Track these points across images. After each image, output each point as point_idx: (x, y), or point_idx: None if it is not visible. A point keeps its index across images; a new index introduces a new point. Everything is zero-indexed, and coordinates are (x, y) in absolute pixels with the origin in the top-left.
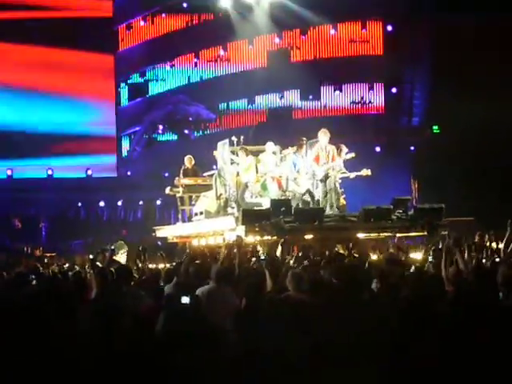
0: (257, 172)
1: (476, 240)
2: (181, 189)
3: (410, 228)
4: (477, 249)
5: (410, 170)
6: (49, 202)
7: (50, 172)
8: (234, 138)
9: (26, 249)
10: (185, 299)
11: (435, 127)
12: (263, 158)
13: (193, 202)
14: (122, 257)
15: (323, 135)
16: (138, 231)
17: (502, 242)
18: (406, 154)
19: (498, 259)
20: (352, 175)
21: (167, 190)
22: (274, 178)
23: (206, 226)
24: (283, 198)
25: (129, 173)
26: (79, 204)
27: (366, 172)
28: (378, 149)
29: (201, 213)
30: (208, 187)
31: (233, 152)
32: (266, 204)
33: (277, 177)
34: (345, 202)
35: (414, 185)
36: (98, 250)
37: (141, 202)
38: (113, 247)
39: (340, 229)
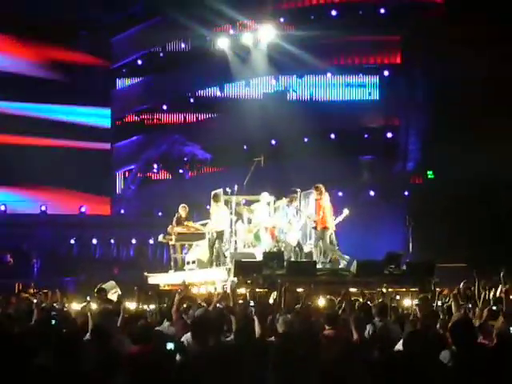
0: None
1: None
2: (174, 237)
3: (402, 284)
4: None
5: (404, 215)
6: (42, 238)
7: (43, 208)
8: (228, 189)
9: (17, 285)
10: (169, 345)
11: (430, 172)
12: (257, 208)
13: (185, 251)
14: (112, 296)
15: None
16: (130, 270)
17: (492, 289)
18: (400, 199)
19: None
20: (335, 222)
21: (160, 238)
22: (267, 228)
23: (198, 275)
24: (276, 249)
25: (122, 211)
26: (72, 241)
27: (345, 213)
28: (372, 193)
29: (193, 262)
30: (201, 236)
31: (226, 202)
32: (258, 254)
33: (270, 227)
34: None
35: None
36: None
37: (134, 241)
38: (104, 287)
39: (332, 283)
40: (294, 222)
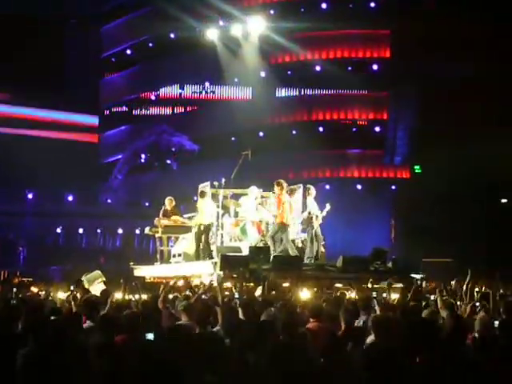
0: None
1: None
2: (160, 229)
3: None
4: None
5: (391, 209)
6: (28, 227)
7: (30, 196)
8: (215, 182)
9: (2, 273)
10: (149, 335)
11: (417, 167)
12: (244, 202)
13: (171, 244)
14: (98, 286)
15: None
16: (116, 259)
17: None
18: (387, 193)
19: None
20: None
21: (147, 230)
22: (254, 222)
23: (185, 268)
24: (262, 243)
25: (109, 200)
26: (58, 230)
27: (327, 208)
28: (359, 186)
29: (179, 254)
30: (187, 229)
31: (213, 195)
32: (244, 248)
33: (257, 221)
34: (324, 250)
35: (394, 226)
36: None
37: (120, 231)
38: (90, 276)
39: (318, 278)
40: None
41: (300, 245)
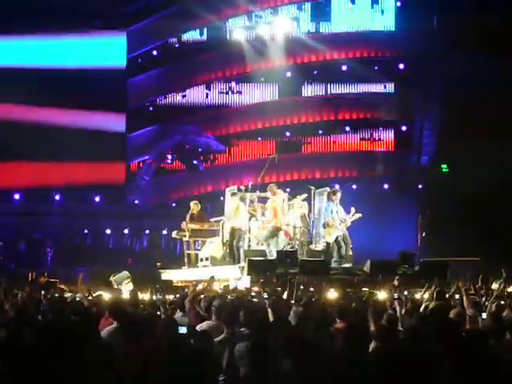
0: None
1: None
2: (187, 233)
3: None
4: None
5: (418, 208)
6: (56, 228)
7: (57, 197)
8: (242, 187)
9: (30, 274)
10: (182, 329)
11: (444, 166)
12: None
13: (198, 247)
14: (126, 287)
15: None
16: (144, 260)
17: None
18: (413, 192)
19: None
20: (348, 222)
21: (174, 234)
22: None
23: (212, 273)
24: (290, 248)
25: (136, 201)
26: (86, 230)
27: (357, 215)
28: (386, 186)
29: (206, 258)
30: (214, 233)
31: (241, 199)
32: (271, 252)
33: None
34: (351, 253)
35: (422, 226)
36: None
37: (147, 231)
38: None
39: (345, 282)
40: (335, 217)
41: (321, 248)
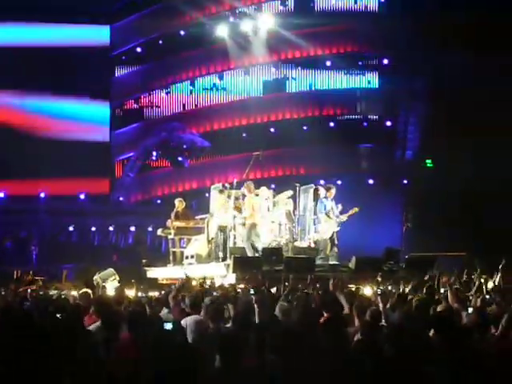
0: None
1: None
2: (172, 231)
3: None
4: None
5: (403, 203)
6: (41, 225)
7: (42, 195)
8: (227, 184)
9: (16, 272)
10: (168, 325)
11: (428, 161)
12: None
13: (184, 245)
14: (112, 284)
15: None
16: (129, 257)
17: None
18: (398, 187)
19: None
20: (344, 218)
21: (159, 232)
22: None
23: (197, 270)
24: (275, 244)
25: (121, 198)
26: (71, 228)
27: (354, 210)
28: (370, 181)
29: (192, 256)
30: (199, 231)
31: (229, 196)
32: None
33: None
34: (337, 250)
35: (406, 219)
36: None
37: (132, 228)
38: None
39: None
40: (331, 214)
41: (313, 245)
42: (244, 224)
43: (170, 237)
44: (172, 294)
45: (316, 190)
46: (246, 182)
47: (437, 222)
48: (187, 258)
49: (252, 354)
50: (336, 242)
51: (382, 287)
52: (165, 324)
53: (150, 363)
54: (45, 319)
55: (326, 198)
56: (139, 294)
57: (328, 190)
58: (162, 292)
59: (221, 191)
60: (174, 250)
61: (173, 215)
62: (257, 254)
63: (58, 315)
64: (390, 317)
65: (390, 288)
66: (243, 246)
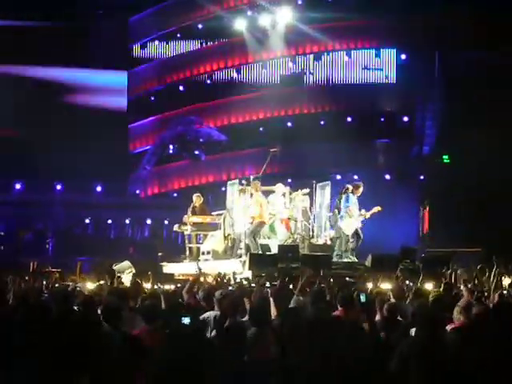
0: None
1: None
2: (189, 227)
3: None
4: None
5: (419, 199)
6: (57, 218)
7: (58, 187)
8: (243, 181)
9: (32, 264)
10: (185, 320)
11: (445, 157)
12: (272, 200)
13: (200, 241)
14: (127, 276)
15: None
16: (145, 250)
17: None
18: (415, 183)
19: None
20: (367, 215)
21: (175, 227)
22: (283, 220)
23: (213, 267)
24: (291, 242)
25: (138, 191)
26: (87, 220)
27: (377, 208)
28: (387, 176)
29: (208, 252)
30: (216, 226)
31: (243, 191)
32: (273, 246)
33: (285, 219)
34: (355, 245)
35: (424, 215)
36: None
37: (149, 221)
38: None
39: (346, 277)
40: (354, 210)
41: (329, 242)
42: (251, 223)
43: (186, 232)
44: (186, 289)
45: (346, 189)
46: (252, 180)
47: (453, 218)
48: (203, 253)
49: (267, 346)
50: (361, 236)
51: (400, 283)
52: (183, 318)
53: (163, 357)
54: (63, 311)
55: (352, 193)
56: (155, 286)
57: (356, 187)
58: (178, 285)
59: (242, 190)
60: (190, 245)
61: (190, 210)
62: (259, 250)
63: (75, 307)
64: (407, 312)
65: (407, 282)
66: (261, 242)
